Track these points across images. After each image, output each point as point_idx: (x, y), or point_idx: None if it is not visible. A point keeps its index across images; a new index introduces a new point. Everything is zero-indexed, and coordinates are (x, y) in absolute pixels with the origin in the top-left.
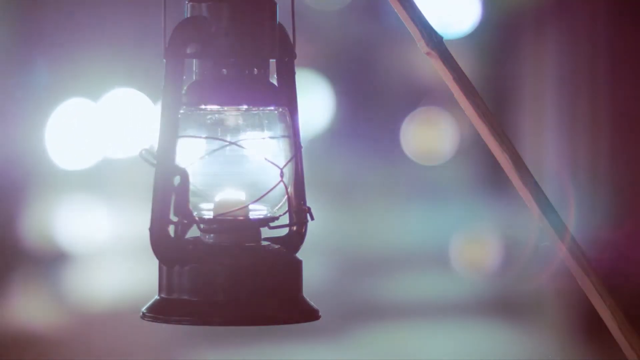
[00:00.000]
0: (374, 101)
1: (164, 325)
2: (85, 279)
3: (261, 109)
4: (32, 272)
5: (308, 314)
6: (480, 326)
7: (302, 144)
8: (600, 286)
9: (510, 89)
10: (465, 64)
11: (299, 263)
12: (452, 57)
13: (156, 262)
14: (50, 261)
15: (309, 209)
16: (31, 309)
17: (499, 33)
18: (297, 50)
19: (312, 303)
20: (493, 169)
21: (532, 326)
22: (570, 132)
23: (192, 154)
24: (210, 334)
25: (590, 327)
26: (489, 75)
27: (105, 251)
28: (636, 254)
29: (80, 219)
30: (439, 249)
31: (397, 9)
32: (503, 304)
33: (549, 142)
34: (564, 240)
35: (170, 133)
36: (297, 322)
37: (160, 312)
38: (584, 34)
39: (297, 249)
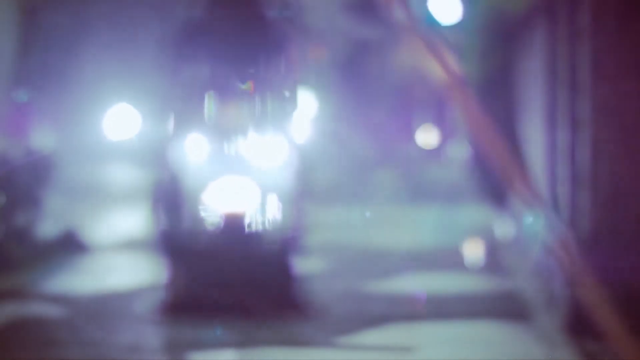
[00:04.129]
0: (371, 102)
1: (165, 324)
2: (84, 276)
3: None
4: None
5: (305, 310)
6: (479, 326)
7: (303, 146)
8: (596, 285)
9: (497, 84)
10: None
11: (296, 262)
12: (445, 51)
13: (156, 260)
14: (55, 255)
15: (306, 211)
16: (34, 303)
17: (483, 29)
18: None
19: (309, 300)
20: (489, 167)
21: (532, 326)
22: (553, 128)
23: (197, 157)
24: (211, 334)
25: (588, 326)
26: (477, 71)
27: (105, 248)
28: (619, 251)
29: (83, 217)
30: (438, 248)
31: (395, 3)
32: (503, 304)
33: (539, 137)
34: (560, 238)
35: (177, 135)
36: (294, 318)
37: (164, 311)
38: (567, 29)
39: (296, 249)
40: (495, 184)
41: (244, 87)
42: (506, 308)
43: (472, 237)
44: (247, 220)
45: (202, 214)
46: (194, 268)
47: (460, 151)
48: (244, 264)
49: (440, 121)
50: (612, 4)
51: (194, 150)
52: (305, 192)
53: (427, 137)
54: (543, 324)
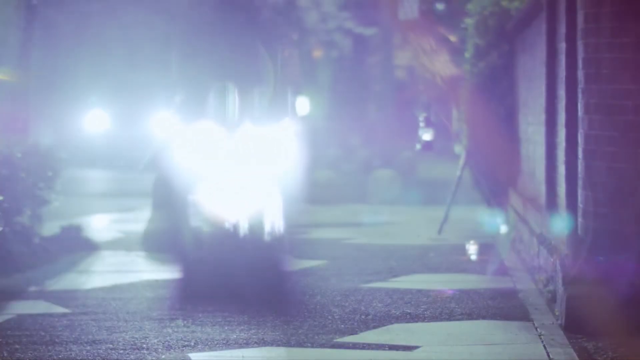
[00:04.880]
0: (370, 100)
1: (165, 323)
2: (85, 274)
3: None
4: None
5: (304, 309)
6: (479, 325)
7: (301, 146)
8: (594, 284)
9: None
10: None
11: (295, 261)
12: (446, 49)
13: (157, 258)
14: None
15: (306, 210)
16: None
17: (483, 28)
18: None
19: (308, 299)
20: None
21: (532, 325)
22: (552, 127)
23: (194, 157)
24: (211, 332)
25: (587, 325)
26: (477, 69)
27: (106, 246)
28: (617, 250)
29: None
30: (438, 247)
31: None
32: (502, 303)
33: (539, 136)
34: (559, 237)
35: (174, 135)
36: (294, 318)
37: (164, 309)
38: (565, 29)
39: (295, 248)
40: (495, 182)
41: (240, 86)
42: (506, 307)
43: (472, 237)
44: (246, 220)
45: (202, 213)
46: (196, 267)
47: (460, 150)
48: (244, 263)
49: (440, 120)
50: (606, 4)
51: (191, 150)
52: (304, 191)
53: (426, 135)
54: (543, 323)
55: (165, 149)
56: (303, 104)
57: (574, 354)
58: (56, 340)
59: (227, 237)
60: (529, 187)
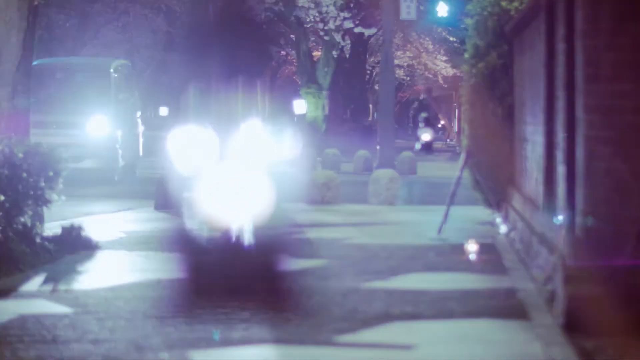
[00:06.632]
0: (369, 100)
1: (167, 322)
2: (86, 274)
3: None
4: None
5: (304, 309)
6: (478, 324)
7: (299, 152)
8: (594, 283)
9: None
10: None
11: (295, 261)
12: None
13: (159, 258)
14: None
15: (304, 210)
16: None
17: (483, 28)
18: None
19: (308, 299)
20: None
21: (531, 324)
22: (551, 127)
23: (193, 159)
24: (213, 332)
25: (586, 324)
26: (476, 69)
27: (108, 246)
28: (615, 250)
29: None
30: (437, 246)
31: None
32: (502, 302)
33: (538, 136)
34: (558, 237)
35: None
36: (294, 317)
37: (166, 309)
38: (564, 29)
39: (288, 248)
40: (494, 182)
41: (236, 84)
42: (505, 306)
43: (472, 237)
44: (245, 220)
45: (201, 214)
46: (196, 267)
47: (459, 149)
48: (244, 263)
49: (439, 119)
50: (605, 4)
51: (188, 150)
52: (304, 191)
53: (425, 136)
54: (542, 322)
55: (163, 149)
56: (301, 104)
57: (573, 354)
58: (58, 339)
59: (227, 238)
60: (528, 187)
